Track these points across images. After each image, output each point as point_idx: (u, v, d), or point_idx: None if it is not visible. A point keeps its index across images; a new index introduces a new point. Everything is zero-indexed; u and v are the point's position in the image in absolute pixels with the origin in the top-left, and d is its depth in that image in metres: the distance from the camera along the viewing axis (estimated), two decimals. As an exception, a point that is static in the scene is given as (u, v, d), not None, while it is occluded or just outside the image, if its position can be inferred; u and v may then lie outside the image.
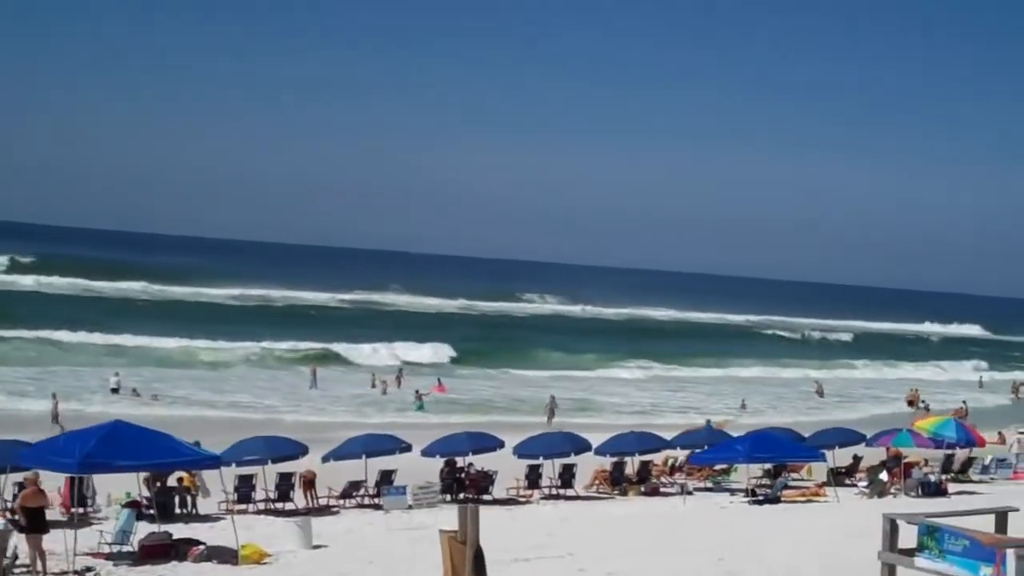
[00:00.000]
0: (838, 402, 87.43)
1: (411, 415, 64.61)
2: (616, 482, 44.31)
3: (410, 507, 35.41)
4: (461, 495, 41.30)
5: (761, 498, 40.91)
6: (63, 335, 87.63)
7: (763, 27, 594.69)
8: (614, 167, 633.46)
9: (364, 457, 39.90)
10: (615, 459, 44.80)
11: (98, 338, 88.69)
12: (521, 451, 42.65)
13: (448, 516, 36.75)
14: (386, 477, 40.01)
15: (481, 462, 42.50)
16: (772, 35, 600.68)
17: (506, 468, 42.84)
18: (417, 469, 41.13)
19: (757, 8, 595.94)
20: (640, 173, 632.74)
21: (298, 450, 39.03)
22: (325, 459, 40.06)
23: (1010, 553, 22.03)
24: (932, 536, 22.78)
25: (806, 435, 49.06)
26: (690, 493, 43.79)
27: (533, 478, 42.60)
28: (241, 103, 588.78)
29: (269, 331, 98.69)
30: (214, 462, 28.71)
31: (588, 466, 45.30)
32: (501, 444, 42.04)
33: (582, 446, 43.02)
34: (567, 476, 43.16)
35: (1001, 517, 24.74)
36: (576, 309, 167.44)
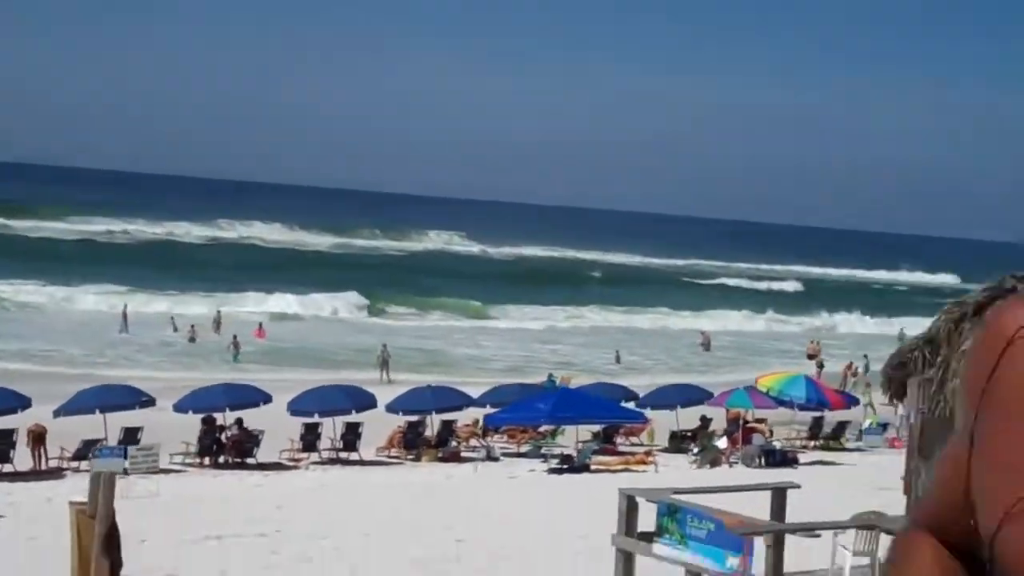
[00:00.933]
0: (733, 357, 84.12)
1: (224, 368, 60.41)
2: (411, 445, 41.06)
3: (126, 471, 31.80)
4: (221, 458, 37.93)
5: (565, 467, 37.67)
6: None
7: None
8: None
9: (98, 412, 36.36)
10: (410, 418, 41.38)
11: None
12: (294, 407, 39.79)
13: (178, 483, 33.69)
14: (131, 436, 36.60)
15: (258, 419, 39.04)
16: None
17: (288, 428, 39.84)
18: (175, 425, 37.90)
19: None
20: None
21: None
22: (56, 413, 36.46)
23: (759, 541, 19.29)
24: (673, 518, 20.15)
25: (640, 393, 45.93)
26: (495, 459, 40.81)
27: (310, 439, 39.65)
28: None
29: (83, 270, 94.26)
30: None
31: (388, 426, 42.03)
32: (267, 399, 38.83)
33: (365, 402, 40.32)
34: (350, 437, 40.54)
35: (778, 495, 22.04)
36: (474, 249, 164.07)
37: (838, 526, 20.62)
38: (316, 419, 39.78)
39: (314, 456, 40.19)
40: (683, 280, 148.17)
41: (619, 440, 45.09)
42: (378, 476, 37.60)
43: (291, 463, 39.60)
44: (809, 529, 19.93)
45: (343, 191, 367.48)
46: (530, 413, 39.41)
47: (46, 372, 53.24)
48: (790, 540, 20.81)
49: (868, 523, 20.40)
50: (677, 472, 38.61)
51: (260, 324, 75.23)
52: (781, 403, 43.55)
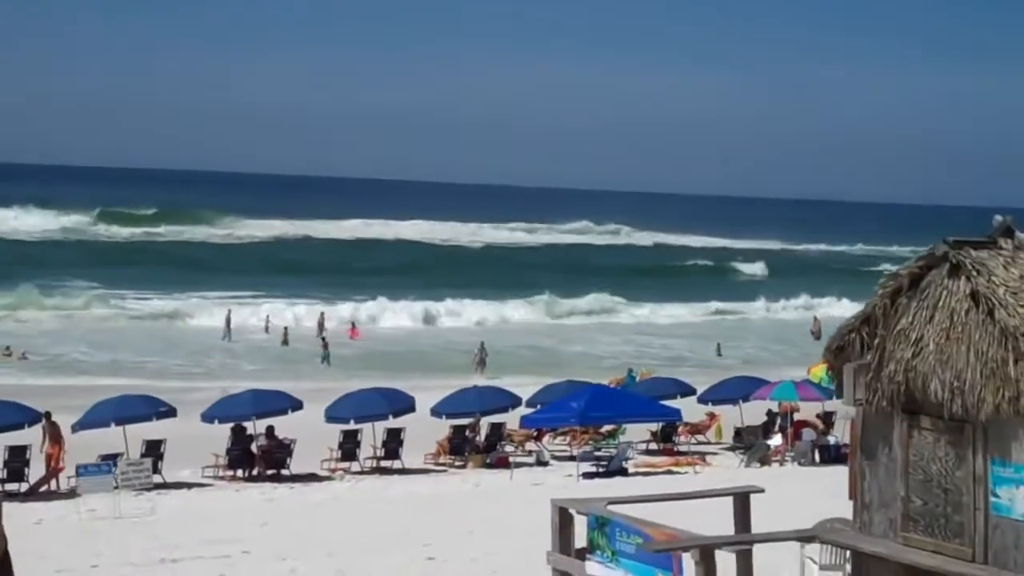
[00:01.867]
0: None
1: (309, 372, 59.25)
2: (457, 451, 39.14)
3: (116, 488, 30.40)
4: (255, 470, 36.51)
5: (601, 471, 35.45)
6: None
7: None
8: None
9: (114, 424, 35.37)
10: (455, 422, 39.65)
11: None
12: (330, 414, 38.14)
13: (184, 499, 32.30)
14: (153, 449, 35.29)
15: (293, 428, 37.53)
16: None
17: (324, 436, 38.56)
18: (202, 436, 36.63)
19: None
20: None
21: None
22: (75, 428, 35.32)
23: (686, 557, 17.19)
24: (602, 531, 18.11)
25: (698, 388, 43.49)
26: (545, 463, 38.70)
27: (349, 447, 37.91)
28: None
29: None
30: None
31: (440, 431, 40.33)
32: (297, 405, 37.16)
33: (403, 405, 38.29)
34: (392, 444, 38.54)
35: (741, 501, 19.82)
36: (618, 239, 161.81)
37: (773, 538, 18.22)
38: (351, 425, 38.10)
39: (355, 465, 38.54)
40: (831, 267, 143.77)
41: (683, 438, 42.86)
42: (407, 486, 35.65)
43: (328, 473, 37.97)
44: (746, 543, 17.65)
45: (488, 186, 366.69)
46: (562, 413, 37.23)
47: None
48: (761, 550, 18.69)
49: (808, 535, 18.01)
50: (722, 473, 36.23)
51: (353, 324, 74.15)
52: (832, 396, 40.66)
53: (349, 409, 38.28)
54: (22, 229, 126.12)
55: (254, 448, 37.35)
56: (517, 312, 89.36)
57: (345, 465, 38.43)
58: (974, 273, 16.43)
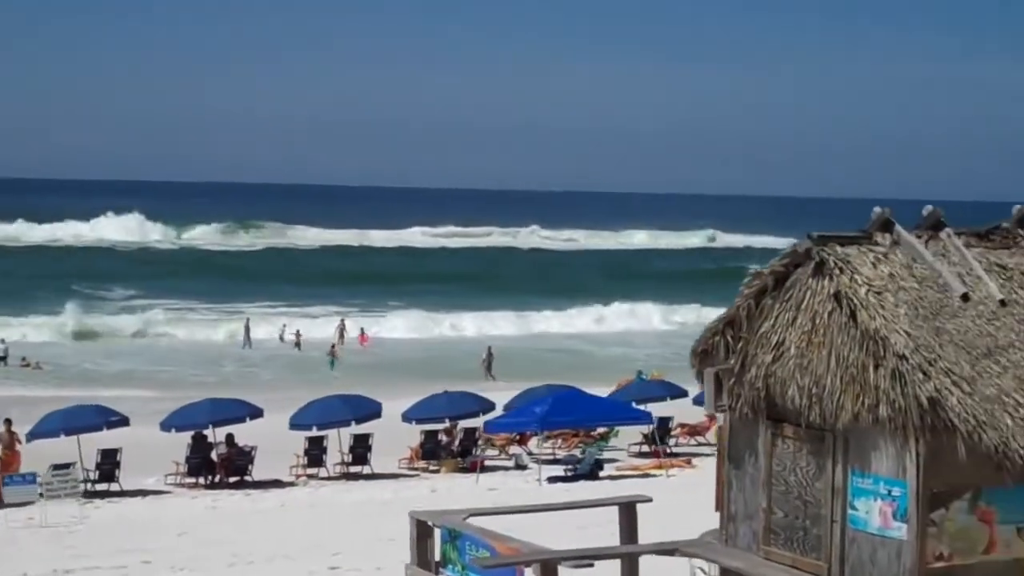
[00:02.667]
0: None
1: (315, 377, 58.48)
2: (430, 455, 38.34)
3: (41, 496, 29.75)
4: (216, 477, 35.93)
5: (569, 475, 34.51)
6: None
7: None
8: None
9: (63, 435, 34.79)
10: (426, 427, 38.98)
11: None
12: (294, 421, 37.36)
13: (114, 508, 31.61)
14: (108, 458, 34.72)
15: (269, 435, 36.88)
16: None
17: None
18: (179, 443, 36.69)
19: None
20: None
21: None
22: (28, 438, 34.80)
23: (528, 572, 16.37)
24: (454, 545, 17.10)
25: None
26: (523, 467, 37.70)
27: (315, 454, 37.11)
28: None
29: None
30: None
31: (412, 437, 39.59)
32: (256, 413, 36.59)
33: (367, 412, 37.46)
34: (360, 450, 37.69)
35: (627, 511, 18.84)
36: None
37: (629, 552, 17.15)
38: (313, 431, 37.39)
39: (323, 471, 37.84)
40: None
41: (683, 440, 41.91)
42: (368, 492, 34.82)
43: (294, 480, 37.26)
44: (590, 558, 16.54)
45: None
46: (525, 418, 36.19)
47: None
48: (655, 560, 17.66)
49: (670, 548, 16.91)
50: (701, 475, 35.03)
51: (362, 329, 73.62)
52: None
53: (312, 416, 37.63)
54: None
55: (214, 456, 36.70)
56: (554, 318, 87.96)
57: (314, 471, 37.74)
58: (836, 272, 15.22)
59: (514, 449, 40.71)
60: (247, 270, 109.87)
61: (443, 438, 39.90)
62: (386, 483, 36.96)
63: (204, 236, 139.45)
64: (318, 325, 77.02)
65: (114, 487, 35.48)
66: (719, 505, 16.91)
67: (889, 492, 14.68)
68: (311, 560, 23.58)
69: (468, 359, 63.74)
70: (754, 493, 16.29)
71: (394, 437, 39.15)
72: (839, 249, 15.35)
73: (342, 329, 73.41)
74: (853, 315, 14.83)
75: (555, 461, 38.83)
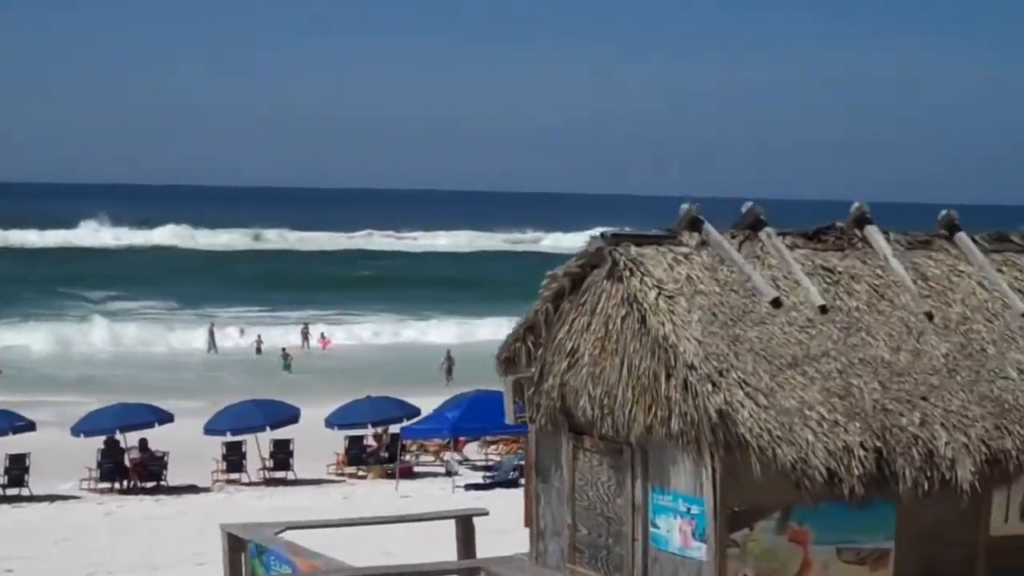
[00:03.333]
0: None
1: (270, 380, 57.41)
2: (355, 461, 37.54)
3: None
4: (130, 483, 35.19)
5: (486, 482, 33.55)
6: None
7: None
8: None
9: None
10: (349, 432, 38.21)
11: None
12: (208, 427, 36.53)
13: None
14: (17, 463, 33.93)
15: (191, 440, 36.03)
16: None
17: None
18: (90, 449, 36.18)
19: None
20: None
21: None
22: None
23: None
24: (261, 560, 16.11)
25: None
26: (452, 473, 36.74)
27: (234, 459, 36.35)
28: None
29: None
30: None
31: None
32: (166, 418, 35.99)
33: (283, 416, 36.60)
34: (281, 455, 36.93)
35: (464, 524, 17.85)
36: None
37: (435, 570, 16.11)
38: (227, 437, 36.53)
39: (245, 477, 37.07)
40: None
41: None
42: (276, 499, 34.04)
43: (209, 486, 36.46)
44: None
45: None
46: (437, 425, 35.22)
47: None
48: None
49: (474, 567, 15.91)
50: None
51: (323, 334, 72.80)
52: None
53: (226, 421, 36.83)
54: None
55: (127, 461, 35.90)
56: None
57: (236, 476, 36.91)
58: (627, 273, 14.19)
59: (447, 455, 39.70)
60: (216, 274, 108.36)
61: (372, 444, 39.03)
62: (305, 489, 36.16)
63: (173, 238, 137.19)
64: (287, 330, 75.96)
65: (24, 492, 34.62)
66: (527, 521, 15.94)
67: (688, 510, 13.69)
68: (173, 570, 22.74)
69: (430, 364, 62.71)
70: (560, 508, 15.31)
71: (333, 442, 38.50)
72: (633, 249, 14.31)
73: (306, 333, 72.56)
74: (644, 320, 13.81)
75: (488, 468, 37.88)
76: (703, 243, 14.64)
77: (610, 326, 14.26)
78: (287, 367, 61.97)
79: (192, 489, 35.92)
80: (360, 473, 38.38)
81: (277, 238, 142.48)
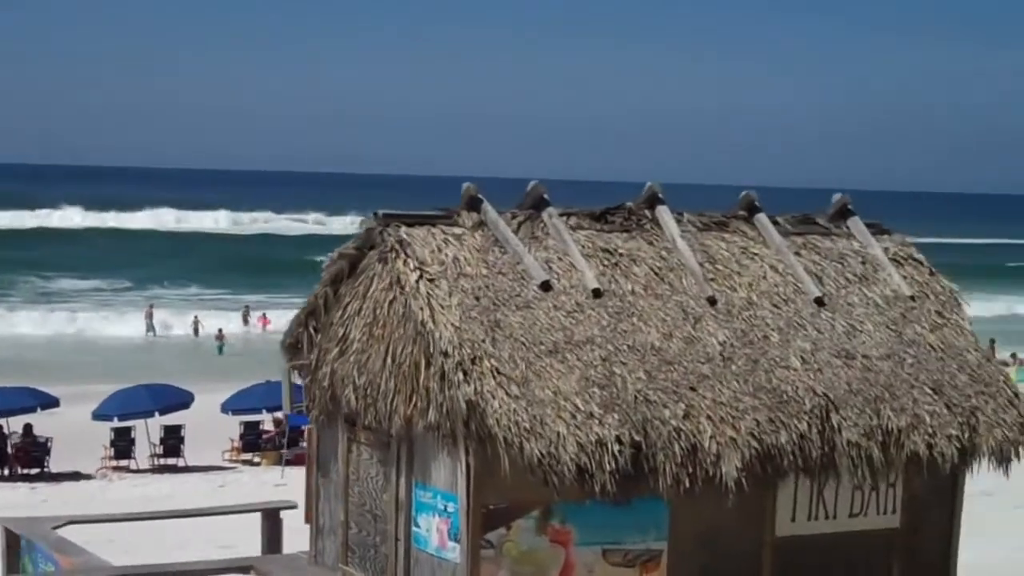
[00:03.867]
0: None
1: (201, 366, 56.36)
2: (250, 447, 36.63)
3: None
4: (13, 469, 34.33)
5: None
6: None
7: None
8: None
9: None
10: (244, 418, 37.47)
11: None
12: (96, 412, 35.57)
13: None
14: None
15: (74, 427, 35.14)
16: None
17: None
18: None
19: None
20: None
21: None
22: None
23: None
24: (31, 556, 15.22)
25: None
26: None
27: (122, 445, 35.41)
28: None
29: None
30: None
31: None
32: (51, 402, 35.31)
33: (174, 402, 35.82)
34: (172, 441, 36.04)
35: (270, 517, 17.07)
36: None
37: (207, 568, 15.27)
38: (115, 423, 35.59)
39: (133, 463, 36.04)
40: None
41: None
42: (158, 486, 32.92)
43: (95, 473, 35.42)
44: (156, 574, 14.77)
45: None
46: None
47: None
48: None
49: (244, 565, 15.10)
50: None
51: (264, 313, 71.83)
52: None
53: (114, 407, 35.75)
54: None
55: (9, 447, 34.96)
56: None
57: (124, 463, 35.93)
58: (393, 255, 13.39)
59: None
60: (163, 254, 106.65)
61: (271, 429, 38.16)
62: (193, 476, 35.14)
63: (124, 220, 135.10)
64: (226, 313, 74.89)
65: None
66: (307, 518, 15.11)
67: (445, 508, 12.85)
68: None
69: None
70: (336, 505, 14.48)
71: (236, 428, 37.71)
72: (403, 230, 13.46)
73: (246, 315, 71.58)
74: (407, 305, 12.98)
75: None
76: (480, 223, 13.80)
77: (378, 311, 13.45)
78: (220, 349, 61.00)
79: (75, 476, 34.89)
80: (255, 460, 37.53)
81: (250, 222, 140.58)
